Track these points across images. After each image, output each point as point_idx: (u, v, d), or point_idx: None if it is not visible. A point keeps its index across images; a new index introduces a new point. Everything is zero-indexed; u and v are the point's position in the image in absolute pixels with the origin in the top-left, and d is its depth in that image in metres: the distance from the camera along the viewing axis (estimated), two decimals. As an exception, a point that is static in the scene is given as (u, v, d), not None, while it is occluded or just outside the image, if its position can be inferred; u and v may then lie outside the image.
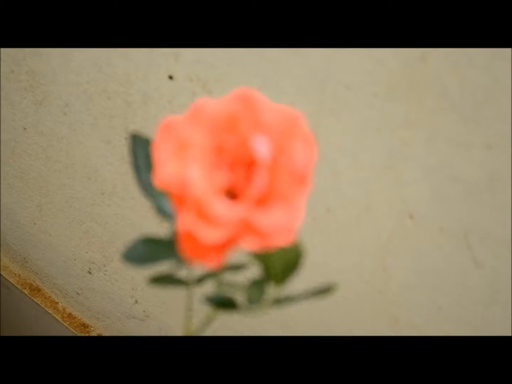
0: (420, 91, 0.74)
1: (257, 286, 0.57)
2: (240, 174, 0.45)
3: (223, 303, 0.56)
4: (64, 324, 1.26)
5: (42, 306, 1.27)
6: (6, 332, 1.36)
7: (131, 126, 0.99)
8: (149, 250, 0.56)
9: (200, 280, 0.59)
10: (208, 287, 0.60)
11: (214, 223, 0.43)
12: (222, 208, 0.43)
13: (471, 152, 0.74)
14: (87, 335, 1.24)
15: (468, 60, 0.70)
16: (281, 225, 0.44)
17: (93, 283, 1.20)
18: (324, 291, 0.54)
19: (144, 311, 1.16)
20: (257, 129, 0.45)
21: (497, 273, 0.77)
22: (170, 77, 0.92)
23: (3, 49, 1.07)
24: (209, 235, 0.43)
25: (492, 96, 0.70)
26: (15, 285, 1.29)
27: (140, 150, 0.58)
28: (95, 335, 1.24)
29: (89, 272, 1.19)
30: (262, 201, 0.44)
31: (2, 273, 1.30)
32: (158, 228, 1.06)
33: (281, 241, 0.44)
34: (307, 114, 0.82)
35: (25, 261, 1.28)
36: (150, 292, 1.14)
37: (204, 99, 0.45)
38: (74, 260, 1.20)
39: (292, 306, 0.56)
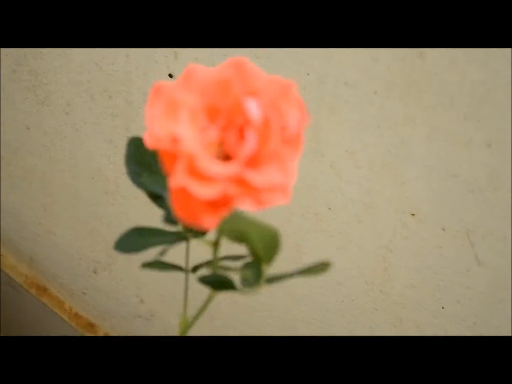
0: (419, 88, 0.73)
1: (252, 267, 0.58)
2: (232, 137, 0.46)
3: (219, 283, 0.56)
4: (71, 324, 1.26)
5: (49, 306, 1.27)
6: (13, 332, 1.36)
7: (132, 125, 0.99)
8: (141, 237, 0.57)
9: (197, 267, 0.59)
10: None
11: (207, 179, 0.44)
12: (215, 164, 0.44)
13: (471, 149, 0.73)
14: (93, 334, 1.24)
15: (465, 55, 0.69)
16: (275, 182, 0.45)
17: (99, 283, 1.20)
18: (315, 269, 0.54)
19: (149, 311, 1.16)
20: (249, 93, 0.46)
21: (499, 271, 0.76)
22: (170, 76, 0.91)
23: (4, 49, 1.06)
24: (203, 191, 0.43)
25: (491, 92, 0.69)
26: (22, 285, 1.29)
27: (133, 148, 0.59)
28: (102, 334, 1.24)
29: (94, 272, 1.19)
30: (256, 162, 0.45)
31: (9, 273, 1.30)
32: (161, 227, 1.05)
33: (277, 200, 0.45)
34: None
35: (32, 261, 1.28)
36: (155, 292, 1.14)
37: (195, 64, 0.46)
38: (80, 259, 1.20)
39: (282, 282, 0.56)
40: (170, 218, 0.58)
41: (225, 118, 0.46)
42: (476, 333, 0.81)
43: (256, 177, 0.44)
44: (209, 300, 0.58)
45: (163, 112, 0.45)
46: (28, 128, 1.12)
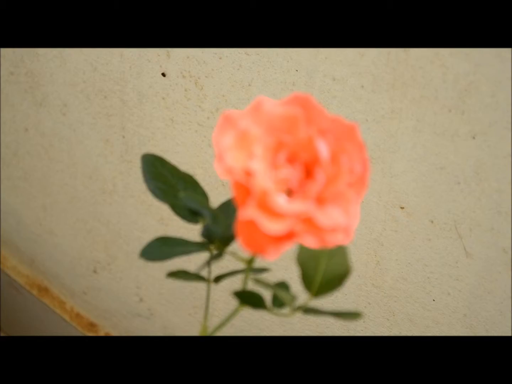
0: (404, 82, 0.74)
1: (285, 289, 0.58)
2: (297, 172, 0.47)
3: (251, 299, 0.57)
4: (72, 324, 1.27)
5: (50, 306, 1.28)
6: (14, 333, 1.37)
7: (127, 125, 1.00)
8: (166, 247, 0.58)
9: (219, 278, 0.60)
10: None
11: (277, 215, 0.45)
12: (285, 201, 0.46)
13: (456, 141, 0.73)
14: (94, 334, 1.25)
15: (448, 48, 0.70)
16: (340, 224, 0.46)
17: (99, 282, 1.21)
18: (351, 315, 0.55)
19: (149, 309, 1.17)
20: (317, 131, 0.47)
21: (487, 262, 0.77)
22: (163, 74, 0.92)
23: (1, 52, 1.08)
24: (271, 226, 0.45)
25: (474, 84, 0.70)
26: (23, 285, 1.30)
27: (150, 166, 0.61)
28: (103, 334, 1.25)
29: (95, 271, 1.20)
30: (321, 200, 0.46)
31: (10, 274, 1.31)
32: (159, 226, 1.06)
33: (339, 240, 0.46)
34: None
35: (33, 261, 1.29)
36: (154, 290, 1.14)
37: (264, 97, 0.47)
38: (80, 259, 1.21)
39: (318, 317, 0.57)
40: (208, 234, 0.59)
41: (291, 153, 0.47)
42: (467, 325, 0.82)
43: (323, 218, 0.45)
44: (234, 313, 0.59)
45: (235, 143, 0.46)
46: (26, 129, 1.13)
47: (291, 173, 0.47)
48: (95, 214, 1.14)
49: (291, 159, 0.47)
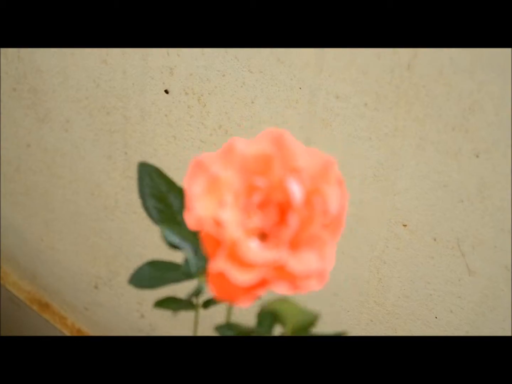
0: (408, 100, 0.74)
1: (267, 319, 0.58)
2: (270, 215, 0.46)
3: (234, 332, 0.56)
4: (73, 339, 1.26)
5: (51, 322, 1.28)
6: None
7: (130, 141, 1.00)
8: (157, 272, 0.57)
9: (207, 304, 0.60)
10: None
11: (247, 265, 0.44)
12: (255, 250, 0.44)
13: (459, 159, 0.74)
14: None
15: (452, 66, 0.70)
16: (314, 269, 0.44)
17: (100, 298, 1.21)
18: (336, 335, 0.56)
19: (150, 325, 1.17)
20: (290, 171, 0.45)
21: (490, 280, 0.77)
22: (166, 91, 0.93)
23: (3, 68, 1.08)
24: (242, 277, 0.43)
25: (478, 103, 0.70)
26: (24, 301, 1.30)
27: (147, 178, 0.59)
28: (104, 350, 1.24)
29: (96, 287, 1.20)
30: (295, 244, 0.45)
31: (11, 290, 1.31)
32: (160, 242, 1.06)
33: (313, 286, 0.45)
34: (298, 125, 0.82)
35: (34, 277, 1.29)
36: (155, 306, 1.14)
37: (236, 138, 0.46)
38: (81, 275, 1.21)
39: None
40: (187, 269, 0.58)
41: (265, 195, 0.46)
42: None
43: (295, 264, 0.44)
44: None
45: (205, 190, 0.45)
46: (28, 145, 1.13)
47: (262, 220, 0.45)
48: (97, 230, 1.14)
49: (265, 202, 0.46)
